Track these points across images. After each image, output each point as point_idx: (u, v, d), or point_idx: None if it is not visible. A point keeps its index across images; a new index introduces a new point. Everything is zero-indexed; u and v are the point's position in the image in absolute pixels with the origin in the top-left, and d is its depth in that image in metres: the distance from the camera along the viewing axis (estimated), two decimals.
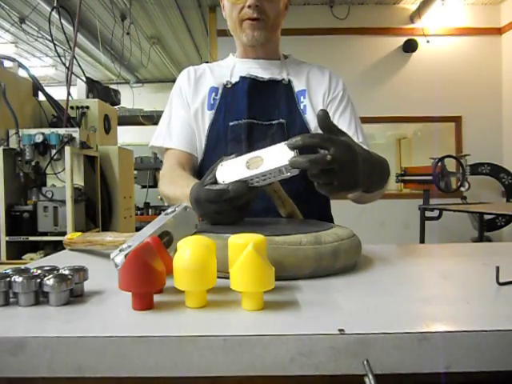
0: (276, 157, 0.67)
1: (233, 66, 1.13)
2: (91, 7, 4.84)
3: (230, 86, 1.10)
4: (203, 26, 5.70)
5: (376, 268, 0.72)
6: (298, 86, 1.12)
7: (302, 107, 1.09)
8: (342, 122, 1.11)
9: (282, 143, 0.68)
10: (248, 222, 0.75)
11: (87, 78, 3.72)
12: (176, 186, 0.96)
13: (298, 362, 0.40)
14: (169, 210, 0.65)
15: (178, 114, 1.12)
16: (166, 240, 0.61)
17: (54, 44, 3.28)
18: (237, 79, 1.10)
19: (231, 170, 0.70)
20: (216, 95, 1.10)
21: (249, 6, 1.01)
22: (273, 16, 1.04)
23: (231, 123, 1.05)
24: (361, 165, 0.68)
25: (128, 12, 4.91)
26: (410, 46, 5.07)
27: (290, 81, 1.11)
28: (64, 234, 2.53)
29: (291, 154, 0.65)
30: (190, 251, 0.49)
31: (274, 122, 1.05)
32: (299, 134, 0.69)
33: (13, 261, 2.54)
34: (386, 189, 0.91)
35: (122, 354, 0.40)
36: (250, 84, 1.07)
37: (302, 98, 1.10)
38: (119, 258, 0.56)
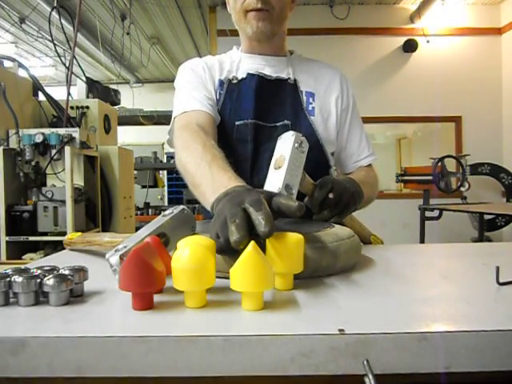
0: (285, 145, 0.77)
1: (238, 61, 1.10)
2: (91, 7, 4.84)
3: (235, 81, 1.06)
4: (203, 26, 5.70)
5: (376, 268, 0.72)
6: (305, 86, 1.08)
7: (310, 108, 1.07)
8: (353, 135, 1.13)
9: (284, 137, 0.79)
10: None
11: (87, 78, 3.72)
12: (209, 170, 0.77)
13: (298, 362, 0.40)
14: (166, 212, 0.65)
15: (199, 90, 1.04)
16: (162, 241, 0.61)
17: (54, 44, 3.28)
18: (243, 75, 1.06)
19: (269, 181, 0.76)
20: (221, 90, 1.06)
21: None
22: (278, 7, 1.00)
23: (237, 122, 1.02)
24: (356, 202, 0.88)
25: (128, 12, 4.91)
26: (410, 46, 5.07)
27: (295, 80, 1.07)
28: (64, 233, 2.53)
29: (292, 138, 0.76)
30: (187, 251, 0.49)
31: (278, 124, 1.03)
32: (305, 135, 0.79)
33: (13, 261, 2.54)
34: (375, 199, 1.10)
35: (122, 354, 0.40)
36: (258, 82, 1.04)
37: (310, 99, 1.08)
38: (114, 259, 0.56)
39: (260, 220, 0.53)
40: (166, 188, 7.44)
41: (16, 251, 2.72)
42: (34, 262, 0.76)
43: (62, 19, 3.26)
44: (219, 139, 0.98)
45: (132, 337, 0.41)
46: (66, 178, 2.71)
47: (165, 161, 6.61)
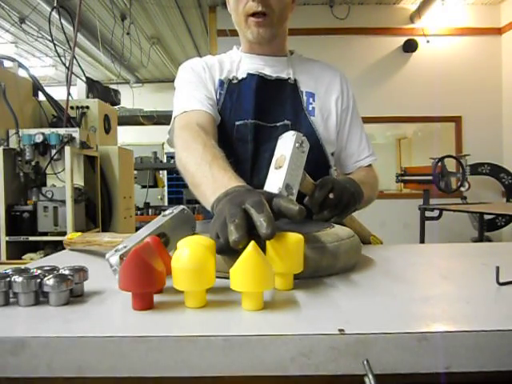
0: (286, 145, 0.77)
1: (238, 61, 1.10)
2: (91, 7, 4.84)
3: (236, 81, 1.06)
4: (203, 26, 5.70)
5: (376, 268, 0.72)
6: (305, 86, 1.08)
7: (310, 108, 1.07)
8: (353, 135, 1.13)
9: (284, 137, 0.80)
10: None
11: (87, 78, 3.72)
12: (209, 171, 0.77)
13: (297, 362, 0.40)
14: (166, 212, 0.65)
15: (199, 90, 1.04)
16: (162, 241, 0.61)
17: (54, 44, 3.28)
18: (243, 75, 1.06)
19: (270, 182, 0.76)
20: (222, 90, 1.06)
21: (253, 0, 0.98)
22: (278, 10, 1.00)
23: (237, 122, 1.02)
24: (356, 202, 0.89)
25: (128, 12, 4.91)
26: (410, 46, 5.07)
27: (296, 80, 1.07)
28: (64, 233, 2.53)
29: (293, 138, 0.76)
30: (187, 251, 0.49)
31: (278, 124, 1.03)
32: (305, 135, 0.79)
33: (13, 261, 2.54)
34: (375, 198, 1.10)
35: (122, 354, 0.40)
36: (258, 82, 1.04)
37: (310, 99, 1.08)
38: (114, 259, 0.56)
39: (262, 222, 0.53)
40: (166, 188, 7.44)
41: (16, 251, 2.72)
42: (34, 262, 0.76)
43: (62, 19, 3.26)
44: (219, 139, 0.98)
45: (132, 337, 0.41)
46: (66, 177, 2.71)
47: (165, 161, 6.61)
